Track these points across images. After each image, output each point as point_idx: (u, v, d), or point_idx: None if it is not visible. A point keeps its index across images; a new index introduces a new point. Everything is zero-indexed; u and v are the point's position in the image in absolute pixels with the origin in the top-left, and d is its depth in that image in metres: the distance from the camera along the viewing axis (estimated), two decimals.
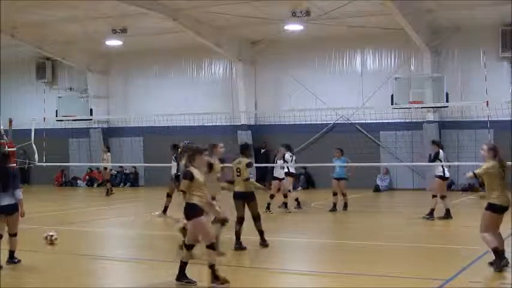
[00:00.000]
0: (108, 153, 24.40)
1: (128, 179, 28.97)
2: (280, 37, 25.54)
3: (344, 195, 17.54)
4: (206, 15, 23.19)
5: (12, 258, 10.10)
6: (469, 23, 23.43)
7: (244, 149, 11.81)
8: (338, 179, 17.63)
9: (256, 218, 11.35)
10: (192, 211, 8.30)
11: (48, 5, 21.64)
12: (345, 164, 17.81)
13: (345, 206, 17.52)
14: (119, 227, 15.56)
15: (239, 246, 11.07)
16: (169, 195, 16.37)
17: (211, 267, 8.24)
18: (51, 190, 27.65)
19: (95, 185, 29.59)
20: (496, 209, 9.17)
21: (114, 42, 26.68)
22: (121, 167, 29.07)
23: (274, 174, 18.06)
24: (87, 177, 30.19)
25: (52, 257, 10.71)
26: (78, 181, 30.37)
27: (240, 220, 11.26)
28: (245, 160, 11.41)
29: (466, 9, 22.08)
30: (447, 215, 15.29)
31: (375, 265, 9.82)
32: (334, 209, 17.42)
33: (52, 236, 11.63)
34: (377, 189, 24.81)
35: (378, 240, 12.56)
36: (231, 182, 11.33)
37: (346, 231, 14.78)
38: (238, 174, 11.29)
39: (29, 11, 22.45)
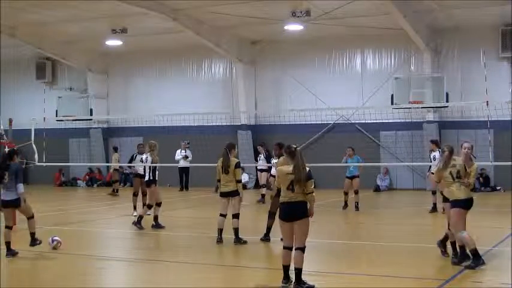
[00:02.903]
0: (117, 154, 24.43)
1: (128, 179, 28.94)
2: (280, 37, 25.54)
3: (356, 193, 17.74)
4: (206, 15, 23.20)
5: (34, 241, 10.83)
6: (469, 23, 23.45)
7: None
8: (351, 178, 17.91)
9: None
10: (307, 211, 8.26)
11: (48, 5, 21.65)
12: (345, 164, 17.91)
13: (356, 206, 17.57)
14: (119, 227, 15.56)
15: (268, 238, 11.94)
16: (135, 195, 17.09)
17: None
18: (51, 190, 27.64)
19: (95, 185, 29.63)
20: (460, 204, 9.43)
21: (114, 42, 26.69)
22: (121, 167, 29.04)
23: (272, 173, 18.40)
24: (87, 177, 30.21)
25: (52, 256, 10.71)
26: (78, 181, 30.38)
27: (273, 215, 11.95)
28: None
29: (466, 9, 22.09)
30: (434, 209, 16.65)
31: (375, 265, 9.82)
32: (345, 207, 17.79)
33: (58, 243, 11.32)
34: (377, 189, 24.85)
35: (378, 240, 12.56)
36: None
37: (346, 231, 14.79)
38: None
39: (29, 11, 22.47)
